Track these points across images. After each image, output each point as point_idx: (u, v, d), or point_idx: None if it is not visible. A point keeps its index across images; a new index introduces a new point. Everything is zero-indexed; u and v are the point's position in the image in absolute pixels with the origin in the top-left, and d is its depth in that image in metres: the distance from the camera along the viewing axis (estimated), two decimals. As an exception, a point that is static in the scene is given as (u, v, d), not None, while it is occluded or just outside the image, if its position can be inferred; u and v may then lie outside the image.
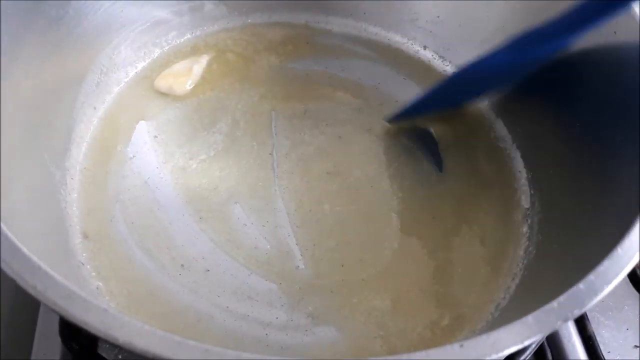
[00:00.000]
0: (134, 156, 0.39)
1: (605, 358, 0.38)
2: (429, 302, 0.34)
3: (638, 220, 0.23)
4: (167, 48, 0.45)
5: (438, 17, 0.45)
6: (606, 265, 0.21)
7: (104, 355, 0.34)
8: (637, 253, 0.22)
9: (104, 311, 0.18)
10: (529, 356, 0.34)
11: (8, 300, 0.37)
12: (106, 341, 0.19)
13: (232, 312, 0.33)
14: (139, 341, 0.18)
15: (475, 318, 0.34)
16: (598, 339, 0.39)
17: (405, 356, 0.18)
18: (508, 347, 0.19)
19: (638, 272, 0.40)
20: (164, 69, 0.43)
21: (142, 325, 0.18)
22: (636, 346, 0.40)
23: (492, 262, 0.36)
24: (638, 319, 0.42)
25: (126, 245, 0.35)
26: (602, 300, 0.40)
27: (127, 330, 0.18)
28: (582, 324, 0.40)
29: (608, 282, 0.21)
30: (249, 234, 0.36)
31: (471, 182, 0.40)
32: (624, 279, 0.39)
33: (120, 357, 0.36)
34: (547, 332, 0.20)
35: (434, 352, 0.19)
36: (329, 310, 0.34)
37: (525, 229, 0.38)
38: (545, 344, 0.38)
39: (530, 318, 0.20)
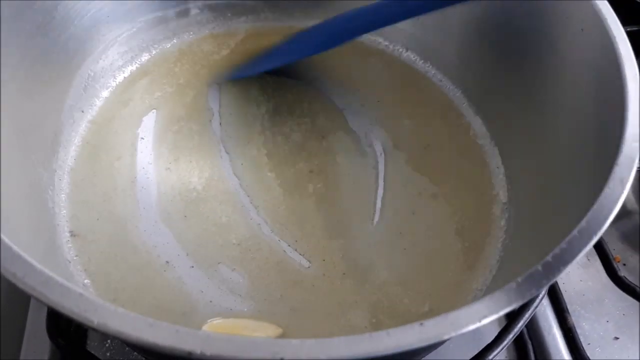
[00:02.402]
0: (120, 157, 0.40)
1: (586, 350, 0.39)
2: (407, 296, 0.35)
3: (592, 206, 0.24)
4: (154, 53, 0.46)
5: (418, 19, 0.46)
6: (563, 247, 0.22)
7: (92, 352, 0.35)
8: (594, 236, 0.23)
9: (80, 295, 0.19)
10: (508, 345, 0.35)
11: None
12: (86, 328, 0.19)
13: (215, 306, 0.34)
14: (113, 323, 0.19)
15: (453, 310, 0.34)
16: (578, 331, 0.40)
17: (366, 335, 0.19)
18: (466, 325, 0.20)
19: (615, 265, 0.41)
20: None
21: (115, 308, 0.19)
22: (616, 338, 0.41)
23: (470, 255, 0.37)
24: (618, 312, 0.42)
25: (113, 243, 0.36)
26: (581, 294, 0.43)
27: (102, 313, 0.19)
28: (562, 316, 0.40)
29: (565, 264, 0.22)
30: (233, 231, 0.37)
31: (450, 178, 0.40)
32: (603, 272, 0.41)
33: (108, 354, 0.37)
34: (505, 311, 0.21)
35: (394, 331, 0.19)
36: (310, 304, 0.35)
37: (503, 222, 0.38)
38: (526, 335, 0.39)
39: (488, 298, 0.21)
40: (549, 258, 0.22)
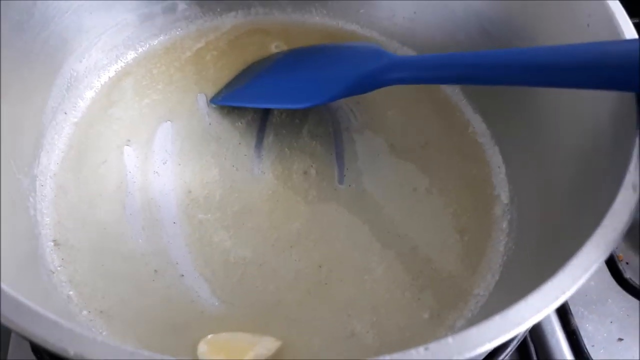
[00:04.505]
0: (106, 161, 0.38)
1: (589, 351, 0.38)
2: (408, 300, 0.34)
3: (606, 215, 0.22)
4: (140, 51, 0.44)
5: (414, 13, 0.45)
6: (576, 261, 0.21)
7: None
8: (609, 248, 0.21)
9: (54, 323, 0.18)
10: (512, 350, 0.34)
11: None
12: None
13: (207, 317, 0.33)
14: (90, 353, 0.17)
15: (455, 316, 0.33)
16: (582, 332, 0.39)
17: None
18: (474, 348, 0.19)
19: (620, 267, 0.40)
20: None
21: (93, 336, 0.17)
22: (620, 339, 0.40)
23: (471, 258, 0.36)
24: (622, 313, 0.41)
25: (98, 251, 0.34)
26: (585, 295, 0.42)
27: (78, 342, 0.17)
28: (565, 318, 0.39)
29: (578, 279, 0.20)
30: (224, 239, 0.36)
31: (450, 177, 0.39)
32: (607, 273, 0.40)
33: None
34: (515, 333, 0.19)
35: (398, 356, 0.18)
36: (307, 311, 0.33)
37: (505, 224, 0.37)
38: (529, 338, 0.38)
39: (497, 318, 0.19)
40: (560, 273, 0.20)
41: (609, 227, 0.22)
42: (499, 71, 0.32)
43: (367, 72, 0.37)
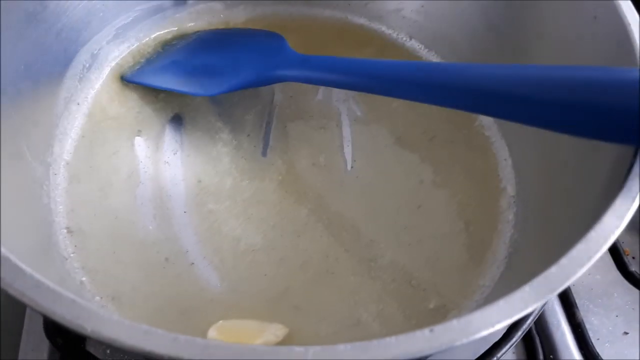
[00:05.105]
0: (117, 151, 0.38)
1: (595, 345, 0.38)
2: (414, 291, 0.34)
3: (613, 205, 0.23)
4: (152, 42, 0.44)
5: (422, 6, 0.45)
6: (579, 248, 0.21)
7: (91, 351, 0.35)
8: (611, 236, 0.22)
9: (72, 301, 0.18)
10: (517, 342, 0.34)
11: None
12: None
13: (216, 304, 0.33)
14: (107, 330, 0.18)
15: (460, 306, 0.34)
16: (587, 326, 0.39)
17: (374, 342, 0.18)
18: (479, 331, 0.19)
19: (626, 260, 0.40)
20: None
21: (110, 315, 0.18)
22: (625, 333, 0.40)
23: (477, 250, 0.36)
24: (627, 306, 0.42)
25: (110, 239, 0.35)
26: (590, 288, 0.42)
27: (95, 320, 0.18)
28: (571, 311, 0.40)
29: (581, 265, 0.21)
30: (233, 228, 0.36)
31: (455, 170, 0.39)
32: (613, 266, 0.40)
33: (108, 352, 0.36)
34: (518, 316, 0.20)
35: (403, 338, 0.19)
36: (313, 299, 0.34)
37: (510, 216, 0.37)
38: (534, 331, 0.38)
39: (502, 302, 0.20)
40: (564, 260, 0.21)
41: (613, 215, 0.22)
42: (404, 87, 0.31)
43: (264, 66, 0.37)
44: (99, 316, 0.18)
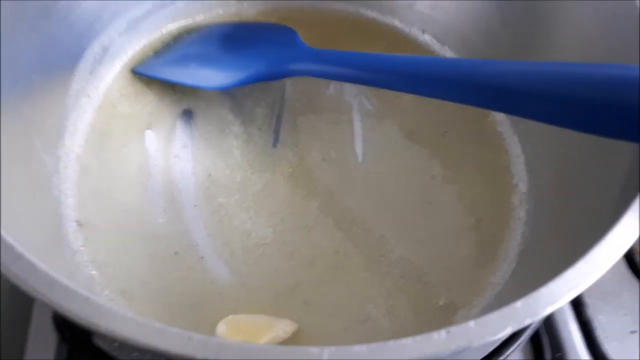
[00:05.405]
0: (128, 144, 0.38)
1: (603, 343, 0.38)
2: (424, 287, 0.34)
3: (633, 206, 0.22)
4: (163, 35, 0.44)
5: (435, 0, 0.44)
6: (596, 252, 0.21)
7: (100, 344, 0.35)
8: (631, 239, 0.21)
9: (87, 299, 0.18)
10: (524, 342, 0.34)
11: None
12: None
13: (225, 298, 0.33)
14: (121, 328, 0.18)
15: (470, 304, 0.34)
16: (595, 324, 0.39)
17: (391, 343, 0.18)
18: (496, 333, 0.19)
19: (636, 258, 0.40)
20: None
21: (124, 313, 0.18)
22: (633, 331, 0.40)
23: (488, 247, 0.36)
24: (636, 305, 0.41)
25: (120, 232, 0.35)
26: (599, 286, 0.42)
27: (109, 318, 0.18)
28: (579, 309, 0.39)
29: (599, 269, 0.21)
30: (244, 221, 0.36)
31: (467, 166, 0.39)
32: (623, 264, 0.40)
33: (115, 344, 0.36)
34: (537, 318, 0.19)
35: (420, 339, 0.18)
36: (323, 294, 0.34)
37: (522, 213, 0.37)
38: (541, 329, 0.38)
39: (519, 303, 0.20)
40: (581, 262, 0.21)
41: (632, 216, 0.22)
42: (416, 82, 0.31)
43: (276, 60, 0.37)
44: (112, 314, 0.18)
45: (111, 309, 0.18)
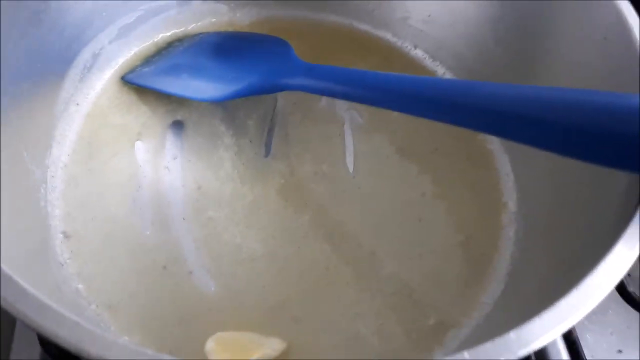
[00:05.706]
0: (117, 154, 0.38)
1: (589, 362, 0.38)
2: (414, 305, 0.34)
3: (626, 233, 0.23)
4: (154, 44, 0.44)
5: (429, 15, 0.44)
6: (590, 281, 0.21)
7: None
8: (625, 267, 0.22)
9: (76, 324, 0.18)
10: None
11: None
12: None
13: (214, 315, 0.33)
14: (111, 355, 0.17)
15: (460, 323, 0.33)
16: (582, 343, 0.39)
17: None
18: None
19: (624, 278, 0.40)
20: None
21: (114, 339, 0.17)
22: (619, 351, 0.40)
23: (477, 266, 0.36)
24: (622, 324, 0.42)
25: (107, 245, 0.34)
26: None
27: (99, 344, 0.17)
28: (566, 328, 0.40)
29: (592, 299, 0.21)
30: (233, 236, 0.36)
31: (457, 184, 0.39)
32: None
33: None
34: (539, 346, 0.19)
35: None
36: (312, 311, 0.33)
37: (511, 233, 0.37)
38: (529, 348, 0.38)
39: (512, 335, 0.20)
40: (574, 292, 0.21)
41: (626, 244, 0.22)
42: (409, 103, 0.30)
43: (269, 74, 0.37)
44: (103, 340, 0.18)
45: (102, 335, 0.18)
